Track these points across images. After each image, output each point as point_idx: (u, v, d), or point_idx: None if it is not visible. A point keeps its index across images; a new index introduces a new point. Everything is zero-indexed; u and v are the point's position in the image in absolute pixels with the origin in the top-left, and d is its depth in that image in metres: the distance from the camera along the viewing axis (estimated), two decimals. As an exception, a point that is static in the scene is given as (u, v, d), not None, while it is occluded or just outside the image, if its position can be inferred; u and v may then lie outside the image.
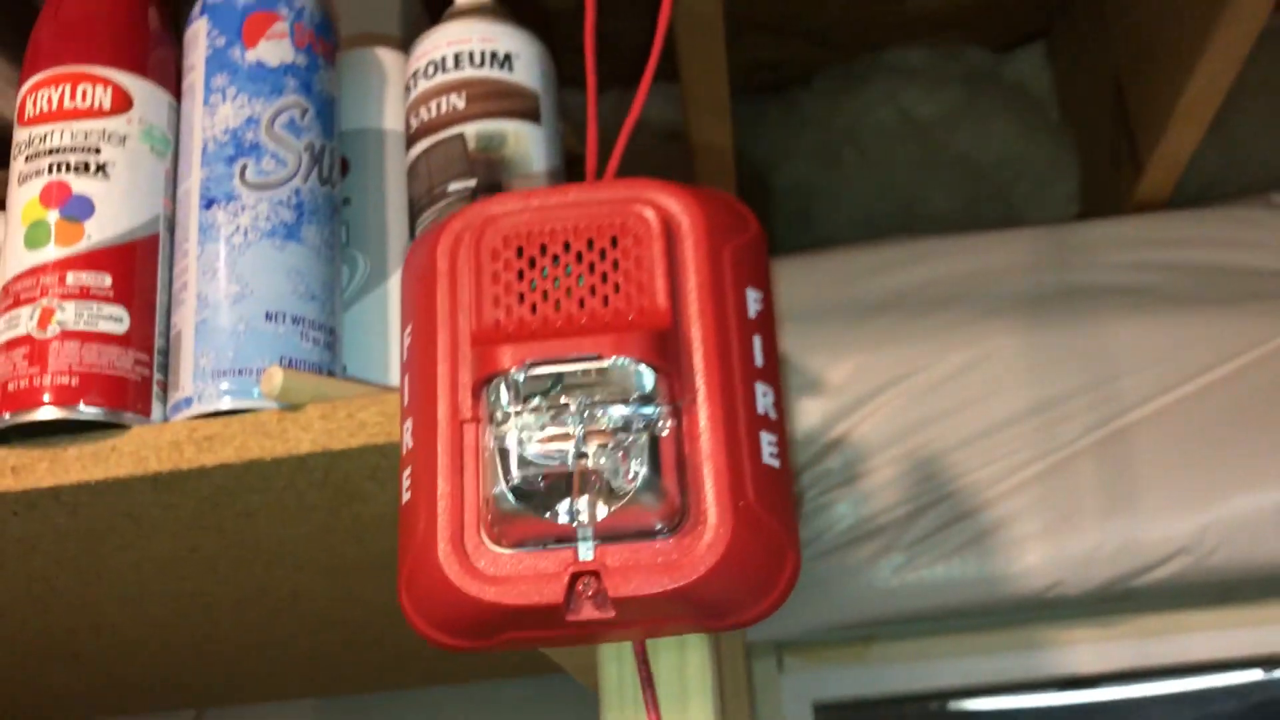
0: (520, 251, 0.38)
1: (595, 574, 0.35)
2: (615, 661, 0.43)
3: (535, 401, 0.36)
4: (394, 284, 0.54)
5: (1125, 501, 0.97)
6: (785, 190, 1.29)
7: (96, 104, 0.51)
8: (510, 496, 0.35)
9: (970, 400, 1.04)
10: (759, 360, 0.38)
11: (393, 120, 0.57)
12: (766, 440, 0.37)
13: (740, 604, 0.36)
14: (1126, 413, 1.01)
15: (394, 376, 0.52)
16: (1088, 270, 1.07)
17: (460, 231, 0.39)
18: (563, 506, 0.35)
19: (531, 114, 0.51)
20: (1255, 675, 1.07)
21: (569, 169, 0.55)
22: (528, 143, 0.51)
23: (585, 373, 0.36)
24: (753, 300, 0.38)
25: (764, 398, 0.37)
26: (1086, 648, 1.06)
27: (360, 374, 0.52)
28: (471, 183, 0.50)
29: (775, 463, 0.37)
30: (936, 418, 1.04)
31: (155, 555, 0.57)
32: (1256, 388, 1.00)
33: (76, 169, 0.50)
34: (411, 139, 0.53)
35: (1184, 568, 0.96)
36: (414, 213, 0.52)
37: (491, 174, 0.50)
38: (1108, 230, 1.08)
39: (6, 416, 0.47)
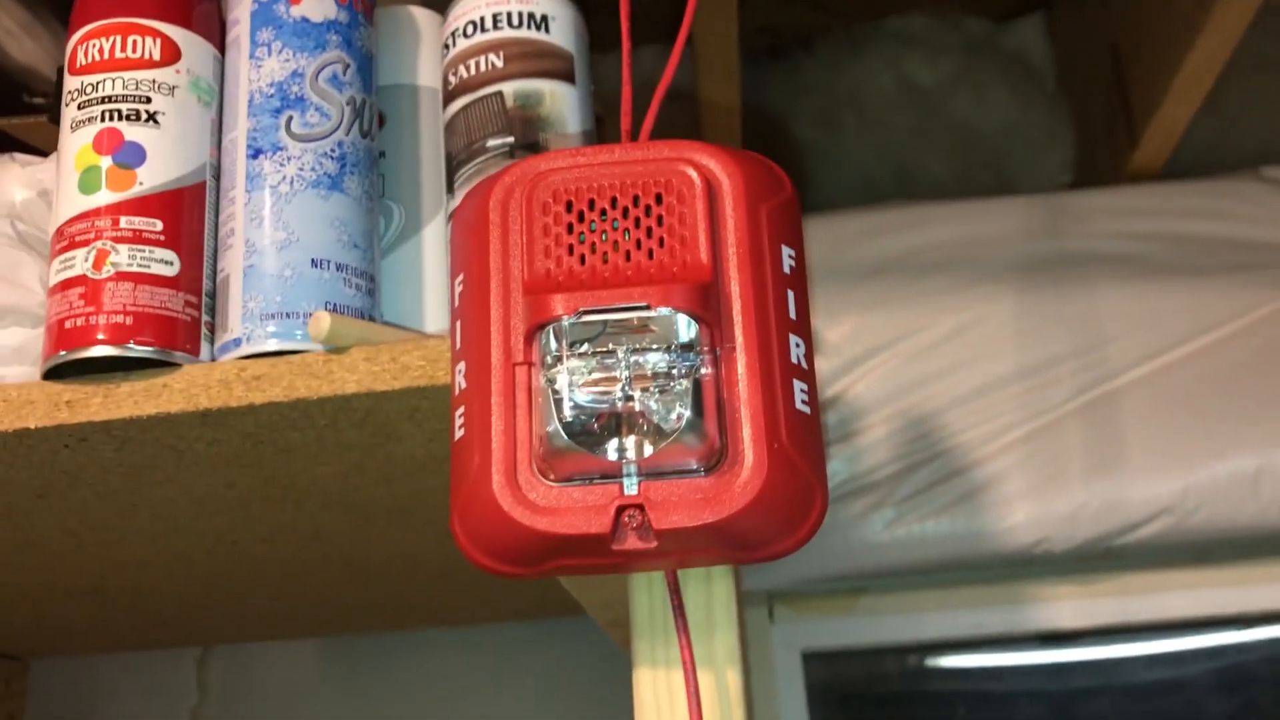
0: (570, 206, 0.40)
1: (640, 507, 0.37)
2: (646, 593, 0.46)
3: (584, 347, 0.39)
4: (429, 234, 0.56)
5: (1111, 462, 1.01)
6: (786, 152, 1.31)
7: (147, 54, 0.52)
8: (563, 433, 0.38)
9: (962, 362, 1.07)
10: (792, 313, 0.40)
11: (427, 77, 0.59)
12: (799, 388, 0.39)
13: (771, 538, 0.38)
14: (1114, 377, 1.05)
15: (429, 323, 0.55)
16: (1080, 238, 1.10)
17: (512, 185, 0.41)
18: (610, 445, 0.38)
19: (567, 75, 0.53)
20: (1229, 634, 1.12)
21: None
22: (563, 102, 0.53)
23: (631, 321, 0.39)
24: (787, 257, 0.41)
25: (796, 348, 0.40)
26: (1068, 604, 1.09)
27: (395, 321, 0.55)
28: (509, 139, 0.52)
29: (806, 409, 0.39)
30: (929, 379, 1.07)
31: (192, 491, 0.59)
32: (1239, 356, 1.03)
33: (128, 117, 0.51)
34: (449, 96, 0.55)
35: (1166, 528, 1.00)
36: (451, 167, 0.54)
37: (528, 131, 0.52)
38: (1101, 199, 1.11)
39: (62, 353, 0.49)
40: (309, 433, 0.52)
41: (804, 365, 0.40)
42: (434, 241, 0.56)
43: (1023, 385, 1.06)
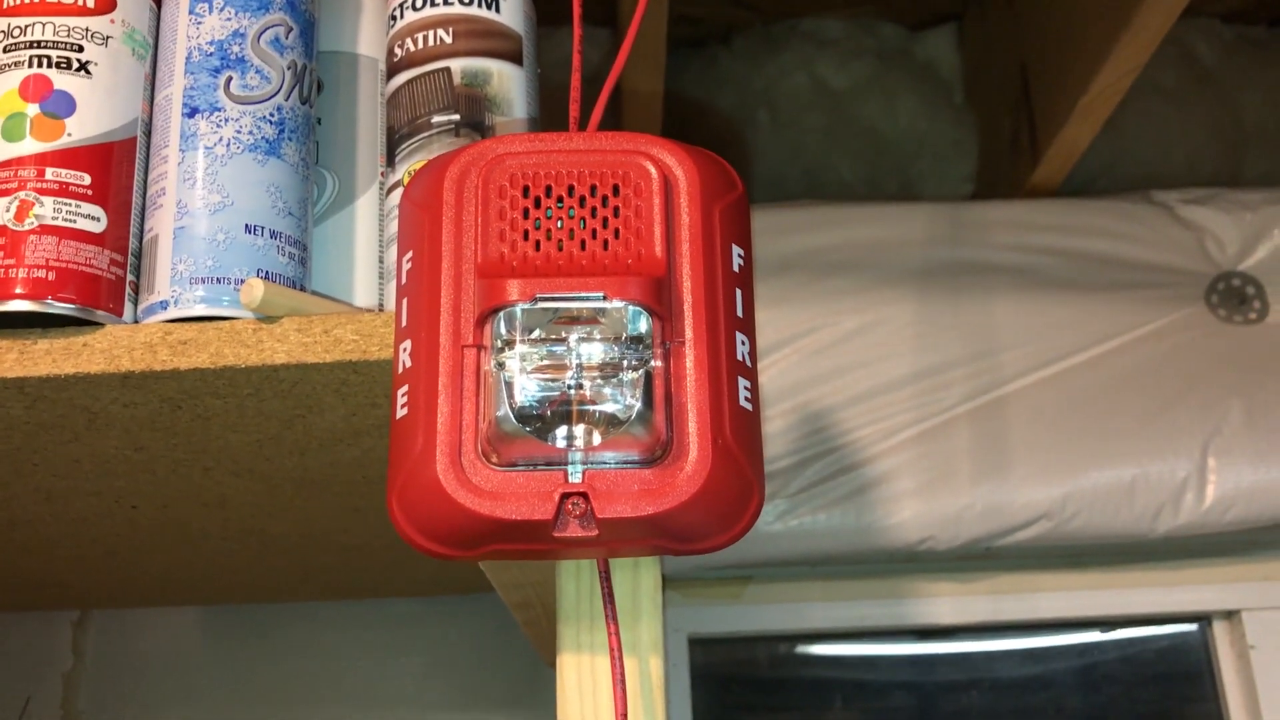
0: (526, 191, 0.40)
1: (584, 495, 0.38)
2: (574, 579, 0.47)
3: (536, 333, 0.39)
4: (362, 205, 0.55)
5: (996, 466, 1.04)
6: (700, 145, 1.32)
7: (81, 1, 0.51)
8: (512, 418, 0.38)
9: (859, 363, 1.10)
10: (739, 311, 0.41)
11: (367, 46, 0.58)
12: (743, 385, 0.40)
13: (709, 532, 0.39)
14: (1003, 385, 1.09)
15: (359, 296, 0.54)
16: (979, 248, 1.13)
17: (467, 166, 0.41)
18: (559, 432, 0.38)
19: (515, 56, 0.53)
20: (1094, 635, 1.17)
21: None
22: (510, 83, 0.53)
23: (584, 310, 0.39)
24: (737, 256, 0.42)
25: (742, 346, 0.41)
26: (946, 600, 1.13)
27: (324, 292, 0.54)
28: (455, 116, 0.51)
29: (749, 406, 0.40)
30: (827, 376, 1.09)
31: (99, 452, 0.58)
32: (1122, 371, 1.08)
33: (59, 64, 0.50)
34: (394, 68, 0.54)
35: (1045, 531, 1.04)
36: (393, 140, 0.53)
37: (474, 110, 0.52)
38: (1001, 212, 1.14)
39: (-23, 306, 0.48)
40: (230, 400, 0.52)
41: (748, 363, 0.41)
42: (367, 213, 0.56)
43: (917, 387, 1.09)
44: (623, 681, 0.41)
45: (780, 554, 1.07)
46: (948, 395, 1.08)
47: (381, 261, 0.55)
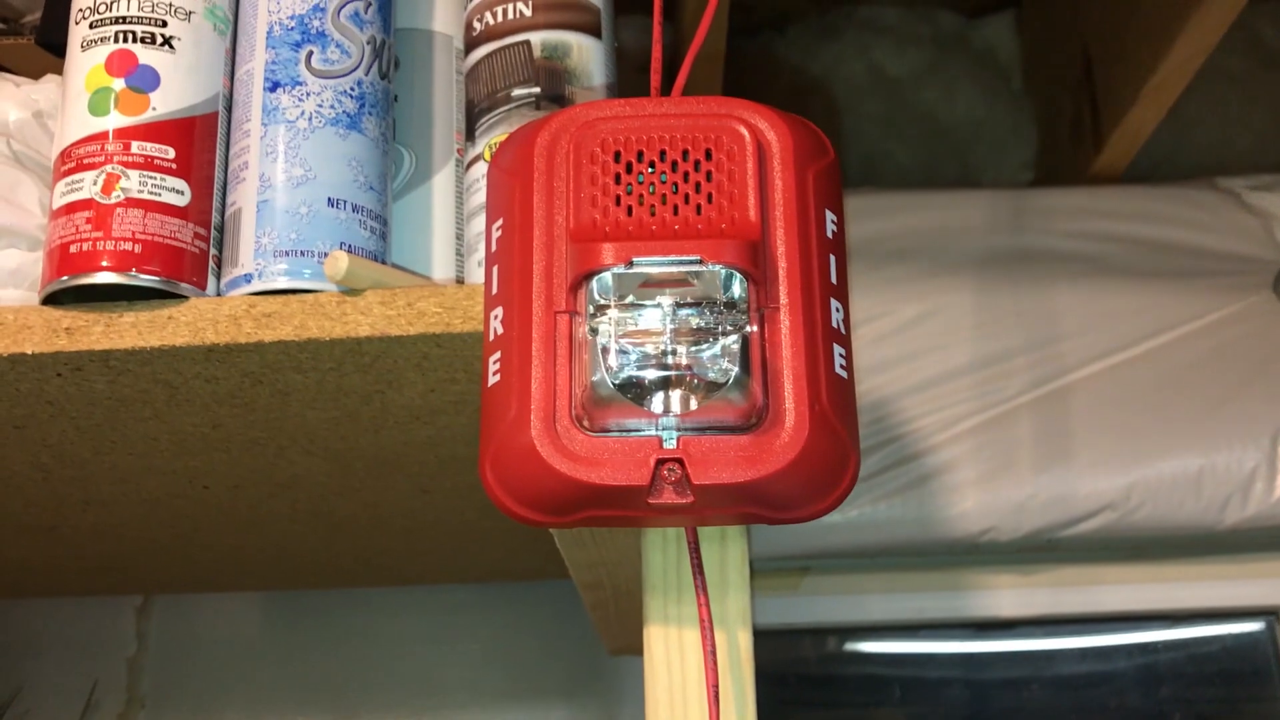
0: (618, 156, 0.40)
1: (679, 461, 0.37)
2: (660, 551, 0.46)
3: (629, 299, 0.39)
4: (439, 182, 0.55)
5: (1059, 456, 1.03)
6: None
7: (164, -24, 0.51)
8: (609, 383, 0.37)
9: (920, 351, 1.09)
10: (833, 278, 0.40)
11: (442, 23, 0.58)
12: (838, 352, 0.40)
13: (806, 500, 0.39)
14: (1066, 374, 1.07)
15: (437, 271, 0.54)
16: (1041, 235, 1.12)
17: (558, 132, 0.41)
18: (655, 398, 0.38)
19: (594, 28, 0.53)
20: (1156, 631, 1.15)
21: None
22: (589, 56, 0.52)
23: (676, 275, 0.38)
24: (830, 221, 0.41)
25: (836, 312, 0.40)
26: (1007, 593, 1.12)
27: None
28: (535, 89, 0.51)
29: (844, 374, 0.40)
30: (888, 365, 1.08)
31: (176, 429, 0.58)
32: (1187, 360, 1.06)
33: (143, 40, 0.50)
34: (473, 42, 0.54)
35: (1109, 522, 1.02)
36: (473, 114, 0.53)
37: (554, 83, 0.51)
38: (1063, 198, 1.13)
39: (65, 278, 0.48)
40: (311, 375, 0.52)
41: (843, 330, 0.40)
42: (444, 190, 0.55)
43: (978, 376, 1.08)
44: (713, 653, 0.40)
45: (839, 545, 1.06)
46: (1009, 384, 1.07)
47: (459, 238, 0.55)
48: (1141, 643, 1.16)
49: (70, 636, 1.02)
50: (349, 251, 0.49)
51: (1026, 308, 1.10)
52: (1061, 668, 1.17)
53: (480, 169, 0.52)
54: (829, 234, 0.41)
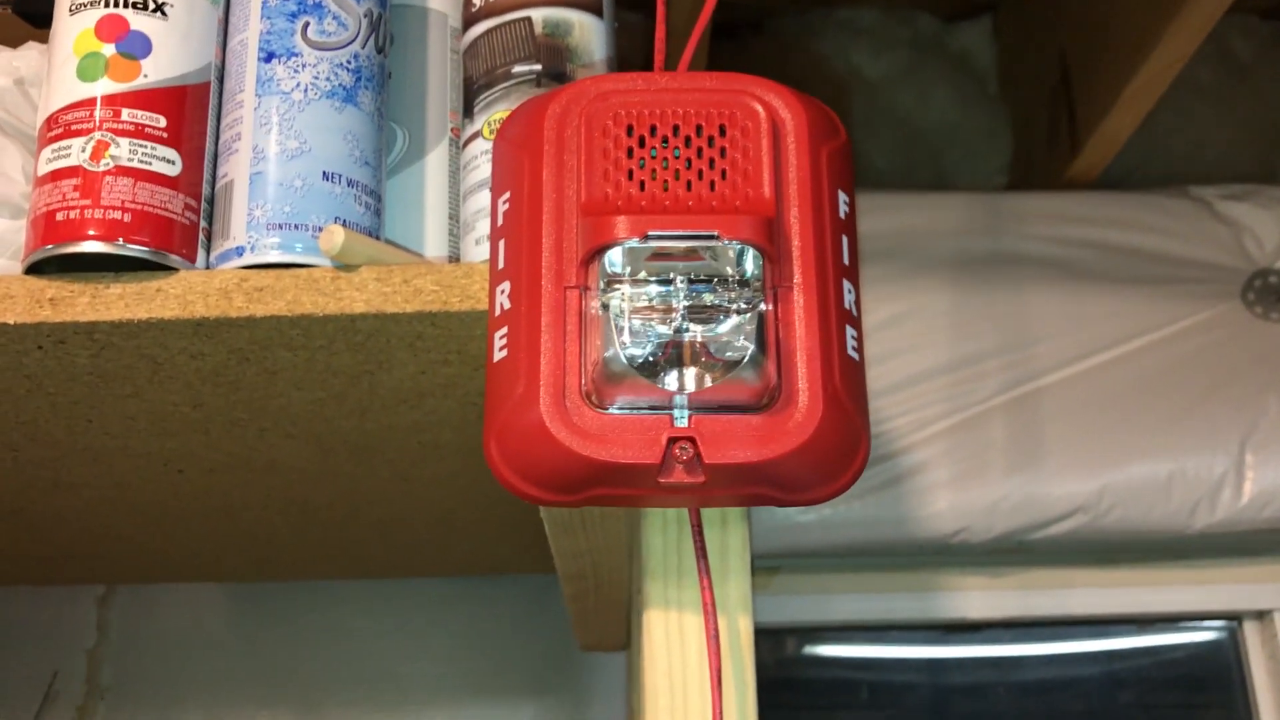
0: (630, 130, 0.39)
1: (691, 440, 0.37)
2: (660, 535, 0.45)
3: (641, 274, 0.38)
4: (432, 160, 0.54)
5: (1031, 459, 1.03)
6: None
7: (157, -58, 0.50)
8: (622, 359, 0.37)
9: (895, 352, 1.09)
10: (846, 259, 0.40)
11: (437, 0, 0.57)
12: (850, 334, 0.39)
13: (817, 481, 0.38)
14: (1039, 377, 1.07)
15: (429, 249, 0.53)
16: (1015, 239, 1.12)
17: (569, 104, 0.40)
18: (669, 375, 0.37)
19: (595, 7, 0.52)
20: (1122, 635, 1.16)
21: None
22: (591, 34, 0.52)
23: (688, 251, 0.38)
24: (842, 202, 0.41)
25: (849, 294, 0.40)
26: (977, 595, 1.12)
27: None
28: (536, 66, 0.50)
29: (855, 356, 0.39)
30: (862, 365, 1.08)
31: (156, 408, 0.56)
32: (1158, 365, 1.07)
33: (135, 5, 0.49)
34: (472, 18, 0.53)
35: (1080, 525, 1.03)
36: (471, 91, 0.52)
37: (556, 60, 0.51)
38: (1038, 202, 1.13)
39: (50, 247, 0.46)
40: (301, 353, 0.50)
41: (854, 312, 0.40)
42: (437, 168, 0.54)
43: (951, 377, 1.08)
44: (716, 636, 0.40)
45: (810, 544, 1.06)
46: (982, 386, 1.07)
47: (452, 217, 0.54)
48: (1106, 649, 1.17)
49: (29, 626, 1.00)
50: (344, 226, 0.48)
51: (1000, 311, 1.10)
52: (1027, 672, 1.18)
53: (478, 146, 0.51)
54: (841, 214, 0.40)
